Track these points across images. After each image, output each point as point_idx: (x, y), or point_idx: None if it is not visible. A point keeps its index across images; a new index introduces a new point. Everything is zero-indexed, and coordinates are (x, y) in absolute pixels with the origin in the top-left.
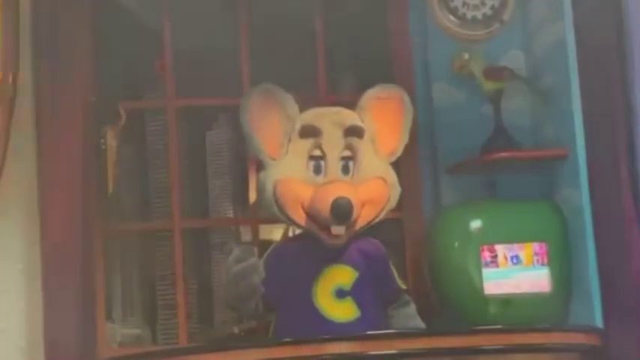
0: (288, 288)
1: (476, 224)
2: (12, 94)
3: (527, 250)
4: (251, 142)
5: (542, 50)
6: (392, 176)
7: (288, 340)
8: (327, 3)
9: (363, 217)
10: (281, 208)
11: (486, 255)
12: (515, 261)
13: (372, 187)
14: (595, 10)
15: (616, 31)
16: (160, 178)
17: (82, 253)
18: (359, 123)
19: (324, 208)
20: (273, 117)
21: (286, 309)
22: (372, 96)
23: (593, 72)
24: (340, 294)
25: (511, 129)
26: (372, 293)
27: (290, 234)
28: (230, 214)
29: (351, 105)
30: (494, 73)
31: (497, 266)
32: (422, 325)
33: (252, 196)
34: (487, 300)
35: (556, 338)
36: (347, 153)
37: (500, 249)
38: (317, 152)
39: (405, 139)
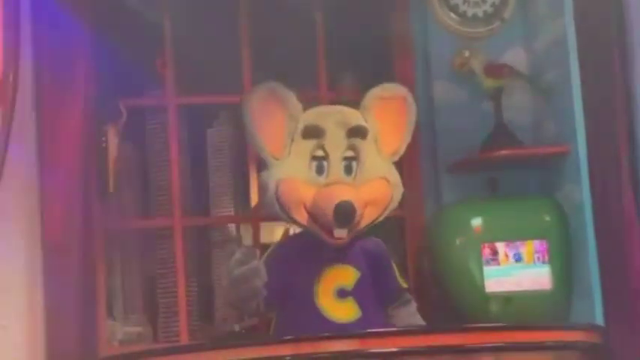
0: (290, 287)
1: (477, 222)
2: (12, 92)
3: (528, 248)
4: (254, 141)
5: (543, 47)
6: (395, 176)
7: (288, 337)
8: (328, 0)
9: (366, 217)
10: (283, 208)
11: (487, 253)
12: (516, 259)
13: (375, 187)
14: (595, 7)
15: (616, 27)
16: (160, 176)
17: (82, 251)
18: (362, 123)
19: (327, 210)
20: (276, 116)
21: (287, 308)
22: (375, 95)
23: (594, 69)
24: (342, 294)
25: (512, 126)
26: (374, 293)
27: (291, 232)
28: (231, 211)
29: (352, 102)
30: (494, 70)
31: (498, 264)
32: (422, 323)
33: (253, 194)
34: (488, 297)
35: (557, 336)
36: (350, 153)
37: (501, 247)
38: (320, 153)
39: (408, 138)
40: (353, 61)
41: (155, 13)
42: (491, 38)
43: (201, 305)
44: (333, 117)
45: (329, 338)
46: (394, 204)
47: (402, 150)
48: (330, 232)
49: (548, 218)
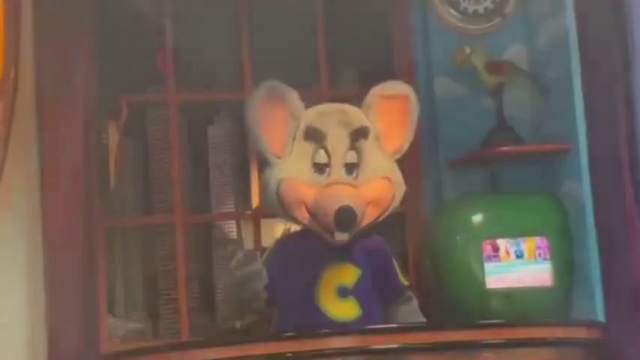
0: (290, 285)
1: (478, 218)
2: (13, 89)
3: (529, 244)
4: (255, 139)
5: (544, 44)
6: (397, 175)
7: (289, 334)
8: None
9: (367, 216)
10: (284, 207)
11: (488, 249)
12: (517, 255)
13: (377, 187)
14: (597, 4)
15: (618, 24)
16: (161, 173)
17: (83, 248)
18: (365, 123)
19: (328, 213)
20: (278, 115)
21: (287, 307)
22: (377, 94)
23: (595, 65)
24: (342, 293)
25: (513, 123)
26: (375, 292)
27: (291, 230)
28: (232, 208)
29: (352, 99)
30: (495, 67)
31: (500, 260)
32: (423, 320)
33: (254, 191)
34: (489, 294)
35: (558, 332)
36: (352, 153)
37: (502, 243)
38: (321, 153)
39: (410, 136)
40: (353, 57)
41: (156, 9)
42: (492, 35)
43: (203, 302)
44: (336, 116)
45: (330, 335)
46: (396, 203)
47: (405, 148)
48: (331, 233)
49: (549, 215)
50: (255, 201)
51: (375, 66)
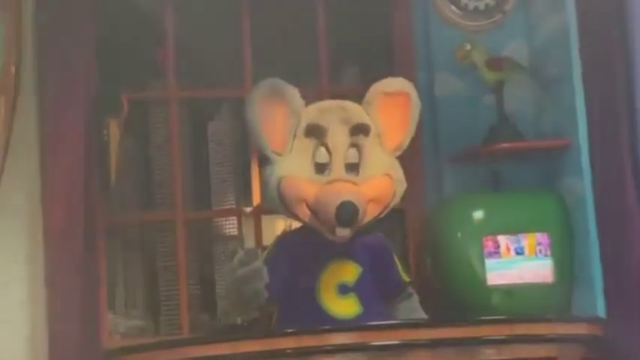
0: (291, 283)
1: (478, 215)
2: (15, 84)
3: (529, 241)
4: (256, 136)
5: (545, 40)
6: (398, 172)
7: (290, 331)
8: None
9: (368, 213)
10: (285, 205)
11: (489, 245)
12: (517, 251)
13: (377, 184)
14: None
15: (618, 19)
16: (162, 169)
17: (84, 245)
18: (365, 120)
19: (329, 209)
20: (278, 112)
21: (288, 304)
22: (378, 91)
23: (596, 61)
24: (343, 290)
25: (513, 119)
26: (376, 289)
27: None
28: (232, 205)
29: (353, 96)
30: (496, 63)
31: (500, 257)
32: (425, 317)
33: (255, 187)
34: (490, 290)
35: (559, 329)
36: (352, 150)
37: (503, 239)
38: (322, 151)
39: (411, 133)
40: (354, 54)
41: (156, 6)
42: (493, 31)
43: (203, 298)
44: (336, 113)
45: (331, 331)
46: (397, 200)
47: (405, 145)
48: (332, 230)
49: (550, 211)
50: (255, 197)
51: (375, 63)
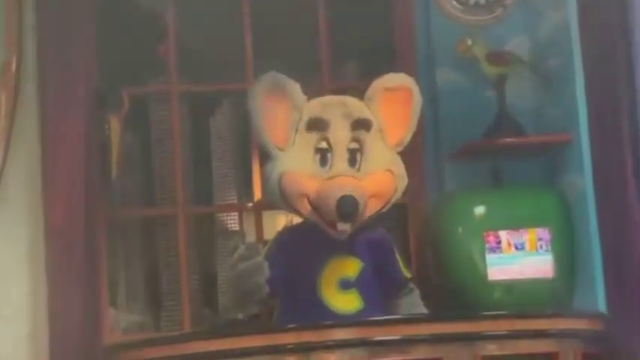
0: (292, 277)
1: (480, 210)
2: (16, 80)
3: (530, 236)
4: (257, 131)
5: (546, 35)
6: (399, 167)
7: (291, 326)
8: None
9: (370, 208)
10: (286, 200)
11: (490, 241)
12: (518, 247)
13: (379, 179)
14: None
15: (619, 14)
16: (163, 164)
17: (85, 240)
18: (367, 116)
19: (330, 204)
20: (280, 107)
21: (289, 298)
22: (379, 86)
23: (597, 56)
24: (345, 285)
25: (514, 114)
26: (377, 284)
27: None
28: (234, 200)
29: (354, 91)
30: (497, 58)
31: (501, 252)
32: (426, 312)
33: (256, 182)
34: (491, 286)
35: (559, 324)
36: (354, 145)
37: (504, 235)
38: (323, 145)
39: (412, 128)
40: (356, 49)
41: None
42: (494, 26)
43: (204, 293)
44: (338, 108)
45: (332, 326)
46: (398, 195)
47: (407, 140)
48: (333, 225)
49: (550, 206)
50: (257, 192)
51: (376, 58)
